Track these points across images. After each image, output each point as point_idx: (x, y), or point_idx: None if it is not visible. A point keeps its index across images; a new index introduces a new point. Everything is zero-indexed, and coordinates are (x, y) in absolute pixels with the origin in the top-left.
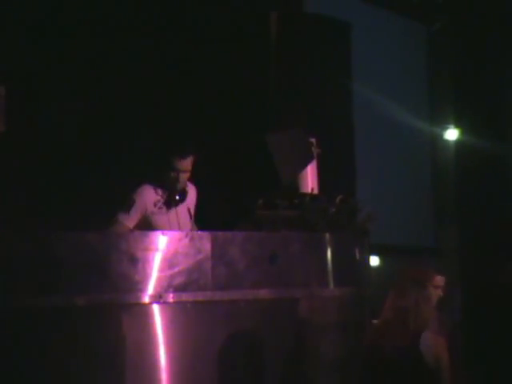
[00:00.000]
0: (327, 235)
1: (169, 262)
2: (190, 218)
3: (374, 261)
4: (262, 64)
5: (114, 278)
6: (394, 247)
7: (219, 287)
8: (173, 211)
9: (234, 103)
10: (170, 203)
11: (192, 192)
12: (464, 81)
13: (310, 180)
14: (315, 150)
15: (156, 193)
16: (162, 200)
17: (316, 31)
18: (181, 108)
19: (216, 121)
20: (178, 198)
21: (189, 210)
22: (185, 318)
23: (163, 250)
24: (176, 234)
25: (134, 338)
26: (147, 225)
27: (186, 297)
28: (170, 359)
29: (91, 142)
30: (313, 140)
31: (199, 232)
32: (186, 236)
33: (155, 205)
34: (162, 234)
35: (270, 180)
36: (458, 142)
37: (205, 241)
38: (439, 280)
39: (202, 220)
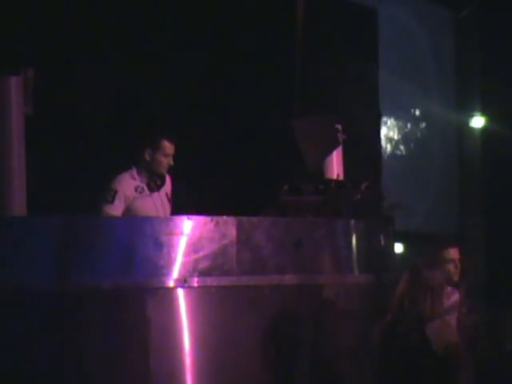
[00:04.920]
0: (352, 221)
1: (194, 247)
2: (169, 202)
3: (399, 248)
4: (288, 49)
5: (139, 262)
6: (418, 235)
7: (244, 272)
8: (155, 194)
9: (260, 89)
10: (152, 187)
11: (168, 179)
12: (491, 68)
13: (335, 166)
14: (341, 136)
15: (134, 179)
16: (142, 185)
17: (343, 16)
18: (203, 92)
19: (242, 106)
20: (158, 182)
21: (167, 195)
22: (209, 302)
23: (188, 235)
24: (201, 219)
25: (159, 322)
26: (131, 210)
27: (210, 281)
28: (194, 343)
29: (118, 124)
30: (338, 126)
31: (225, 217)
32: (212, 221)
33: (136, 190)
34: (188, 218)
35: (296, 166)
36: (484, 130)
37: (230, 226)
38: (452, 253)
39: (228, 205)
